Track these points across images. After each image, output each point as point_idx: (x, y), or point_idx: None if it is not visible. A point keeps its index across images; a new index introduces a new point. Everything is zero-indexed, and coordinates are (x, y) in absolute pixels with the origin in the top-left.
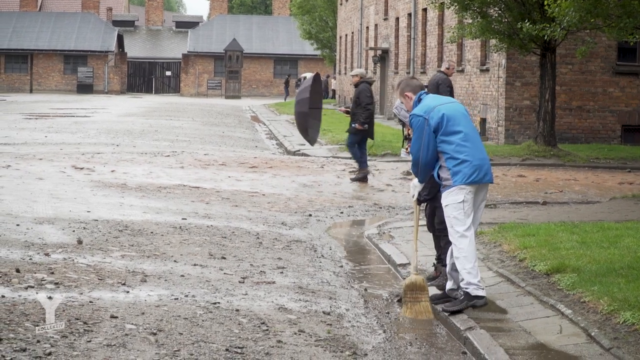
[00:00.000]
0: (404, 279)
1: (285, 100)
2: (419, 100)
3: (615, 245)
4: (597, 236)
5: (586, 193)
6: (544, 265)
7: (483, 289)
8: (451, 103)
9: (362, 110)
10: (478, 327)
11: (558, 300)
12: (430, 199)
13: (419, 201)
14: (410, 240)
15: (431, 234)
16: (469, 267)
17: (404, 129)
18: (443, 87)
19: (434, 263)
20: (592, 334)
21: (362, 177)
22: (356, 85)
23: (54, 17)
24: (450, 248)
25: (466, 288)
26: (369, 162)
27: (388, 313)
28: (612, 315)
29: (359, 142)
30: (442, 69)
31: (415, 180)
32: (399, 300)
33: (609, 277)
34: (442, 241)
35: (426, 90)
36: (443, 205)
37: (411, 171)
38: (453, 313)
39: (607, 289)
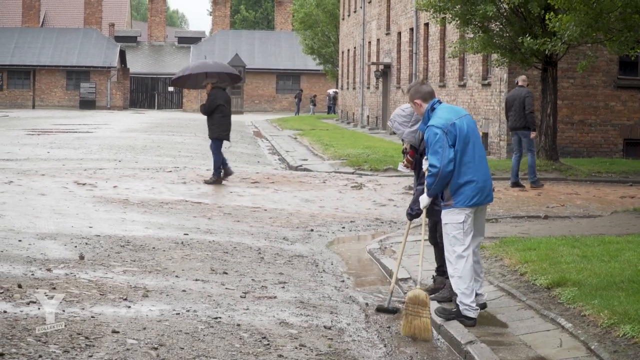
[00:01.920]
0: (405, 293)
1: (297, 114)
2: (432, 109)
3: (616, 259)
4: (598, 250)
5: (588, 207)
6: (544, 279)
7: (476, 310)
8: (465, 117)
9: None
10: (479, 341)
11: (558, 313)
12: (428, 214)
13: (411, 216)
14: (412, 254)
15: (432, 247)
16: (463, 288)
17: (404, 142)
18: (529, 100)
19: (433, 276)
20: (592, 347)
21: (215, 181)
22: (209, 93)
23: (56, 32)
24: None
25: (458, 305)
26: (365, 175)
27: (389, 327)
28: (612, 329)
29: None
30: (522, 83)
31: (424, 194)
32: (378, 310)
33: (609, 290)
34: (444, 254)
35: (438, 99)
36: (442, 223)
37: (426, 183)
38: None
39: (607, 303)
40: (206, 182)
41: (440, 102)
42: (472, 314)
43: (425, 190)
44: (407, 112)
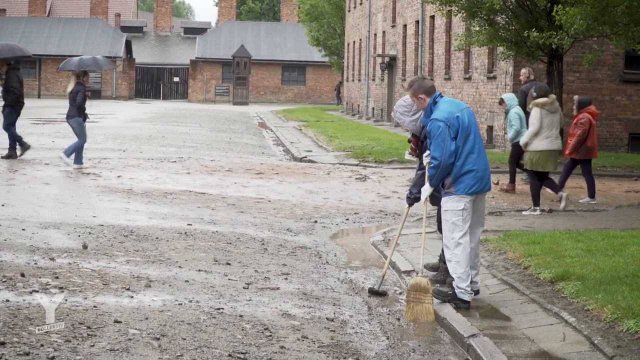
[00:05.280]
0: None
1: (338, 104)
2: (434, 102)
3: (620, 254)
4: (602, 244)
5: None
6: (548, 273)
7: (470, 294)
8: (465, 109)
9: (10, 94)
10: (481, 334)
11: (562, 308)
12: (432, 201)
13: (410, 200)
14: (415, 247)
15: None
16: (460, 273)
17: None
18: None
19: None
20: (595, 341)
21: (11, 156)
22: (5, 74)
23: (62, 22)
24: None
25: (454, 288)
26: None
27: (391, 319)
28: (615, 323)
29: (15, 123)
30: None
31: (427, 184)
32: (370, 291)
33: (613, 285)
34: None
35: (439, 92)
36: (442, 209)
37: (428, 174)
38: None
39: (611, 297)
40: (2, 157)
41: (442, 96)
42: (467, 298)
43: (427, 180)
44: (407, 102)
